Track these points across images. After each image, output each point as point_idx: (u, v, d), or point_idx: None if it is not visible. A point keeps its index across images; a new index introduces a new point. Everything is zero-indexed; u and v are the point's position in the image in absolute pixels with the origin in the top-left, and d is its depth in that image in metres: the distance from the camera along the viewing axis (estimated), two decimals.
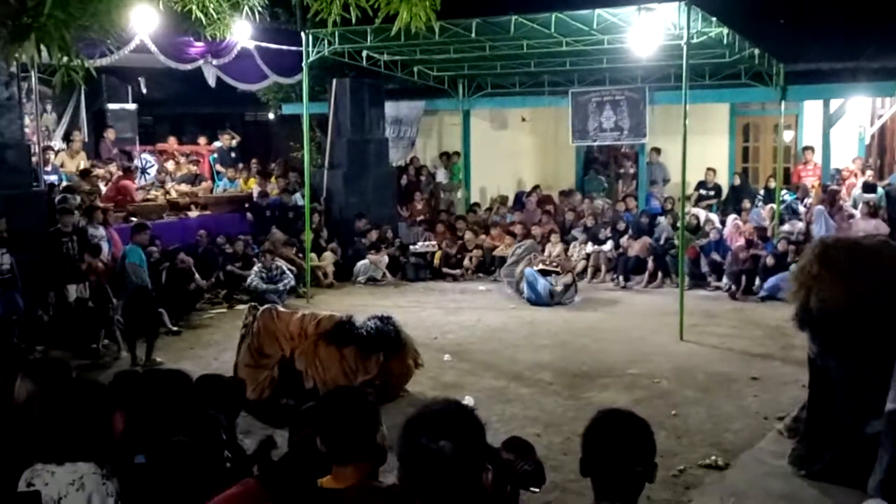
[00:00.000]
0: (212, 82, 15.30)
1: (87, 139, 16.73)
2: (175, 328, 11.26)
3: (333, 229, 15.89)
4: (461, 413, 2.22)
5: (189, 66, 14.58)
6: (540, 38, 13.26)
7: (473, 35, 12.64)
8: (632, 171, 19.28)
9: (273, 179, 17.13)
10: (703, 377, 8.86)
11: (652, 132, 16.54)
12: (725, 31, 12.14)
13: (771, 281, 13.01)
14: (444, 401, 2.31)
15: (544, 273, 13.26)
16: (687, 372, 9.04)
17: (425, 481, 2.11)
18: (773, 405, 7.82)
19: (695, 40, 11.24)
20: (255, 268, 13.19)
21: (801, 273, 6.29)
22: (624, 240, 15.02)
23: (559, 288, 13.01)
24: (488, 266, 15.66)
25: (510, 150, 19.99)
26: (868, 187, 15.02)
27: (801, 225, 14.64)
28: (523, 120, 20.37)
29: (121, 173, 14.76)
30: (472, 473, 2.13)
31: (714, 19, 11.78)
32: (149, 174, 16.38)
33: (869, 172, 15.96)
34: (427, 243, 15.97)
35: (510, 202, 18.65)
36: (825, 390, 6.14)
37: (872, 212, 14.22)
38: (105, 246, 11.53)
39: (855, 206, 14.83)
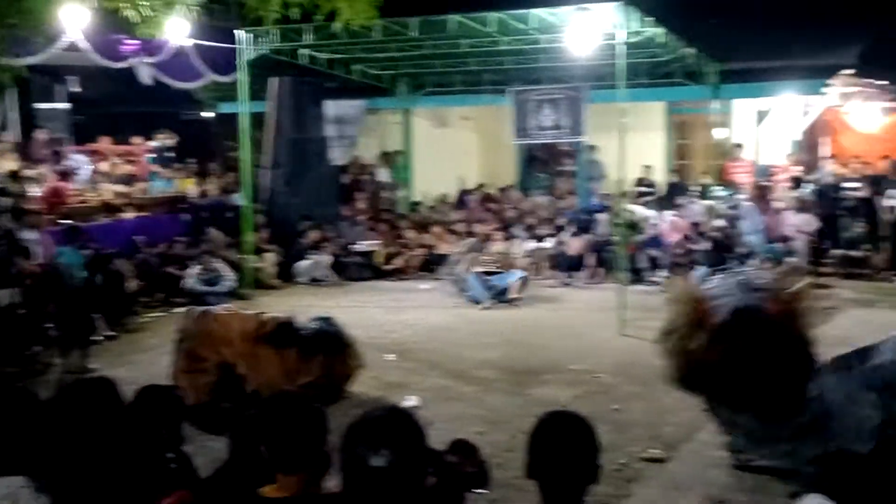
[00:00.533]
0: (146, 81, 15.04)
1: (17, 140, 16.29)
2: (111, 333, 11.02)
3: (275, 229, 15.72)
4: (400, 419, 2.19)
5: (122, 65, 14.31)
6: (479, 37, 13.35)
7: (414, 34, 12.64)
8: (571, 168, 19.46)
9: (212, 179, 16.90)
10: (643, 371, 8.93)
11: (590, 130, 16.70)
12: (660, 30, 12.34)
13: (697, 276, 13.29)
14: (382, 408, 2.27)
15: (488, 273, 13.33)
16: (627, 366, 9.16)
17: (366, 491, 2.08)
18: None
19: (631, 40, 11.40)
20: (194, 269, 13.00)
21: (669, 337, 6.44)
22: (564, 236, 15.18)
23: (511, 295, 12.99)
24: (431, 265, 15.68)
25: (452, 149, 20.02)
26: (798, 183, 15.41)
27: (728, 221, 14.94)
28: (465, 119, 20.40)
29: (54, 175, 14.42)
30: (413, 480, 2.10)
31: (649, 19, 11.95)
32: (82, 175, 16.01)
33: (798, 169, 16.36)
34: (370, 242, 15.92)
35: (452, 200, 18.66)
36: None
37: (802, 207, 14.60)
38: (37, 250, 11.24)
39: (785, 201, 15.20)
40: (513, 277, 13.24)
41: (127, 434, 3.64)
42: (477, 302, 12.87)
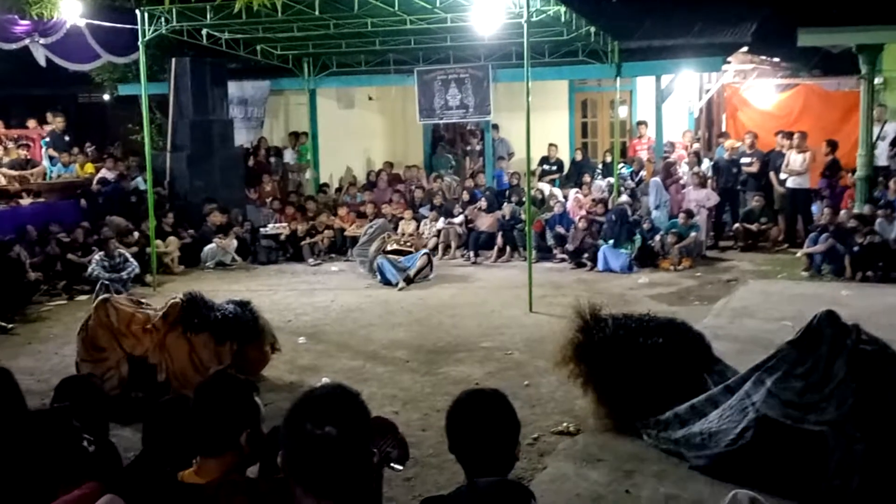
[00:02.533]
0: (41, 62, 14.49)
1: None
2: (7, 325, 10.59)
3: (179, 213, 15.35)
4: (346, 397, 2.15)
5: (14, 46, 13.79)
6: (384, 15, 13.25)
7: (317, 13, 12.47)
8: (478, 147, 19.58)
9: (112, 163, 16.42)
10: (553, 347, 9.10)
11: (496, 109, 16.86)
12: (563, 9, 12.49)
13: (602, 254, 13.65)
14: (328, 385, 2.23)
15: (398, 252, 13.33)
16: (537, 342, 9.29)
17: (311, 467, 2.06)
18: None
19: (534, 19, 11.50)
20: (96, 256, 12.64)
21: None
22: (472, 215, 15.27)
23: (413, 272, 13.04)
24: (340, 247, 15.60)
25: (358, 130, 19.90)
26: (699, 159, 15.85)
27: (625, 197, 15.30)
28: (370, 99, 20.30)
29: None
30: (358, 457, 2.08)
31: None
32: None
33: (697, 145, 16.83)
34: (278, 225, 15.74)
35: (360, 182, 18.57)
36: None
37: (702, 182, 15.04)
38: None
39: (686, 177, 15.61)
40: (418, 256, 13.29)
41: (27, 423, 3.55)
42: (389, 284, 12.86)
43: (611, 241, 13.60)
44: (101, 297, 7.98)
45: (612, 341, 6.61)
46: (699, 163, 15.67)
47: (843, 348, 5.42)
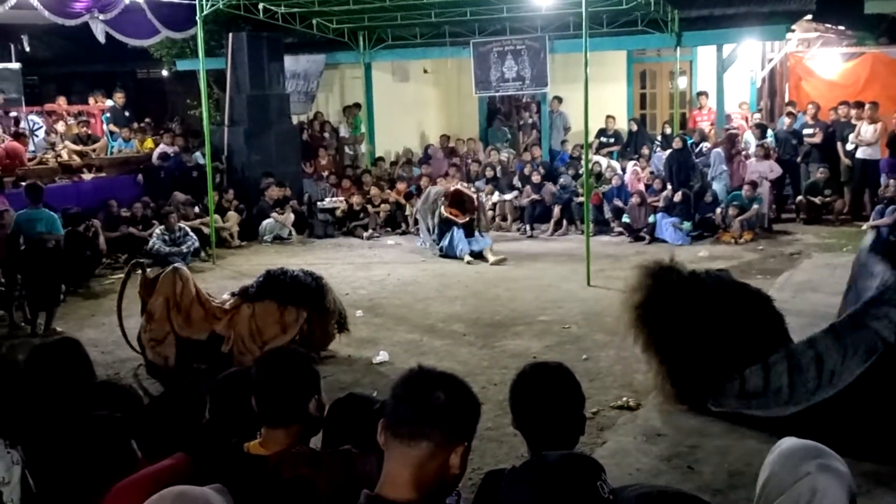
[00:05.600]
0: (101, 39, 14.68)
1: None
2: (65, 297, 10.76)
3: (237, 188, 15.50)
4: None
5: (75, 22, 13.97)
6: None
7: None
8: (535, 120, 19.38)
9: (171, 138, 16.64)
10: (612, 320, 8.95)
11: (553, 81, 16.65)
12: None
13: (663, 226, 13.45)
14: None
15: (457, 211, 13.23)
16: (596, 316, 9.22)
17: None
18: None
19: None
20: (157, 230, 12.83)
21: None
22: (529, 188, 15.16)
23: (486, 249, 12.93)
24: (397, 221, 15.60)
25: (413, 103, 19.84)
26: (762, 130, 15.46)
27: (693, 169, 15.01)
28: (425, 72, 20.20)
29: (9, 136, 14.09)
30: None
31: None
32: (37, 136, 15.68)
33: (758, 116, 16.41)
34: (334, 199, 15.79)
35: (416, 157, 18.50)
36: None
37: (766, 154, 14.68)
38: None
39: (748, 148, 15.25)
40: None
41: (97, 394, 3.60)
42: (449, 256, 12.77)
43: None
44: (172, 266, 8.12)
45: (680, 304, 6.38)
46: (764, 134, 15.27)
47: None
